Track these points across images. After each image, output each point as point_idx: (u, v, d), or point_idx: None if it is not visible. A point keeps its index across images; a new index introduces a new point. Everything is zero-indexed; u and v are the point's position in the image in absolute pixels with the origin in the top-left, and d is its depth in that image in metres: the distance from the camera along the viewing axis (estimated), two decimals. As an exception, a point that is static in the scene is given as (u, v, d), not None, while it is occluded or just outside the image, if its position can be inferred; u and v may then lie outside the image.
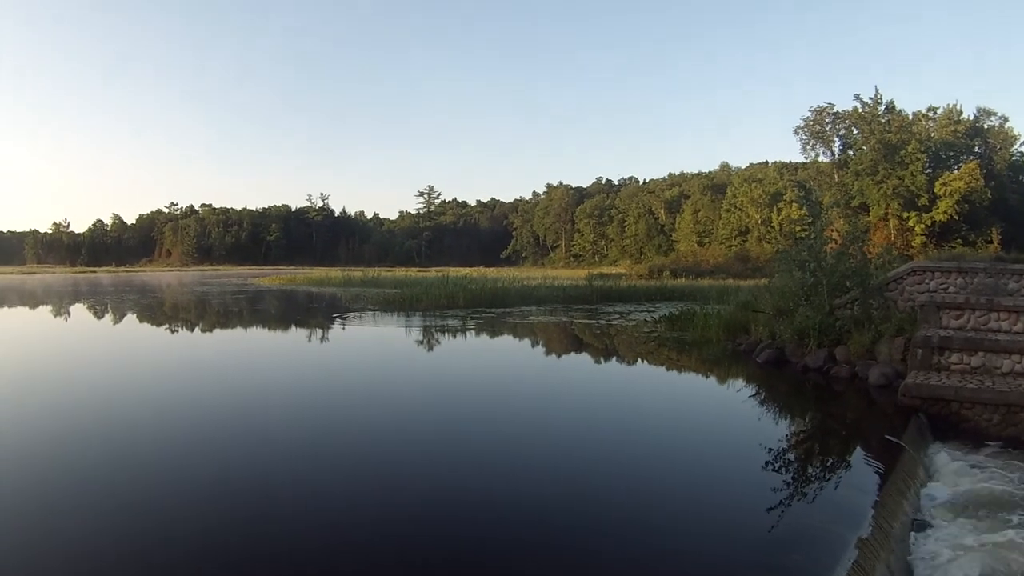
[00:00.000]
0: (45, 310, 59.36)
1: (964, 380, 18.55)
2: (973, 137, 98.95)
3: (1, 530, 10.90)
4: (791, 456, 15.22)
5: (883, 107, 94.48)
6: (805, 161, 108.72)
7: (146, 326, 48.54)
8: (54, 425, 17.90)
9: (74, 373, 26.71)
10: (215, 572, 9.66)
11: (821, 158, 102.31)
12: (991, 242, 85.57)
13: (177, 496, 12.66)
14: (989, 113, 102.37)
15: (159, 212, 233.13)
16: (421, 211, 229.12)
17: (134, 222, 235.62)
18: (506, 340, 37.66)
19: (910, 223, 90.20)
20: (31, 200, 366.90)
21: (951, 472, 14.69)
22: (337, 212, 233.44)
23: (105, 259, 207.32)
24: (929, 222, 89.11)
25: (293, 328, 47.25)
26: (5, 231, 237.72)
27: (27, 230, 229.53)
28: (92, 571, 9.72)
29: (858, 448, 16.40)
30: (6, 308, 63.16)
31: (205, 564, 9.94)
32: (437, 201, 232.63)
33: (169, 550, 10.31)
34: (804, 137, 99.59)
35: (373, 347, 35.35)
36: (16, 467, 14.28)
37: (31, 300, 70.31)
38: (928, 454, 15.95)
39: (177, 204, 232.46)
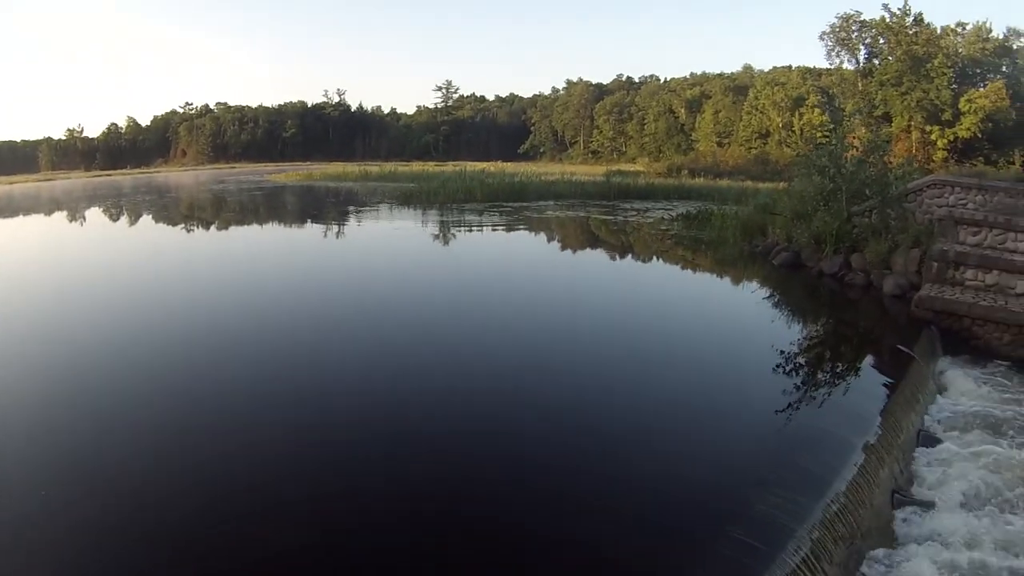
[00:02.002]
0: (63, 215, 59.03)
1: (978, 297, 18.59)
2: (1001, 56, 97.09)
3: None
4: (803, 360, 15.39)
5: (911, 19, 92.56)
6: (829, 67, 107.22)
7: (163, 227, 48.45)
8: (85, 332, 18.51)
9: (96, 280, 27.39)
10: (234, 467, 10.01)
11: (846, 65, 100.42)
12: (1013, 163, 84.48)
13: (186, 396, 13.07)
14: (1019, 33, 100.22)
15: (173, 112, 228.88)
16: (439, 105, 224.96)
17: (148, 124, 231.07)
18: (522, 234, 37.74)
19: (932, 137, 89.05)
20: (44, 107, 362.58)
21: (959, 387, 14.86)
22: (354, 107, 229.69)
23: (120, 162, 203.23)
24: (952, 137, 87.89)
25: (308, 224, 47.28)
26: (19, 140, 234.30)
27: (41, 137, 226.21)
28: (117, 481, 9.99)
29: (869, 356, 16.53)
30: (30, 215, 63.05)
31: (221, 456, 10.28)
32: (455, 95, 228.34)
33: (177, 454, 10.66)
34: (829, 43, 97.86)
35: (386, 242, 35.50)
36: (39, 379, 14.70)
37: (51, 206, 69.64)
38: (937, 367, 16.08)
39: (191, 103, 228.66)
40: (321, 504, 8.75)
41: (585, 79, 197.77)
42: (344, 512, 8.67)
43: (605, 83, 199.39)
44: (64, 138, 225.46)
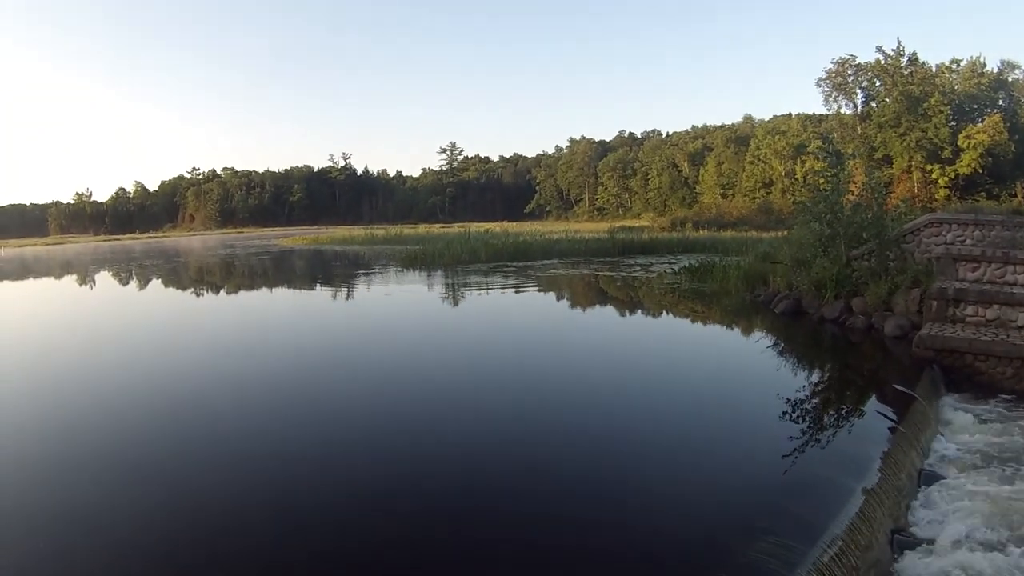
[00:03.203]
0: (75, 279, 59.75)
1: (978, 332, 18.53)
2: (997, 90, 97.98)
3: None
4: (807, 406, 15.27)
5: (905, 59, 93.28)
6: (828, 113, 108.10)
7: (172, 290, 48.83)
8: (92, 391, 18.52)
9: (104, 343, 27.39)
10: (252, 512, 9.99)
11: (844, 110, 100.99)
12: (1015, 196, 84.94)
13: (198, 452, 13.07)
14: (1013, 66, 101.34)
15: (181, 178, 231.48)
16: (444, 167, 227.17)
17: (156, 188, 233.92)
18: (525, 293, 37.72)
19: (933, 175, 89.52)
20: (52, 171, 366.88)
21: (962, 424, 14.73)
22: (360, 171, 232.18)
23: (128, 227, 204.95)
24: (952, 175, 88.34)
25: (315, 287, 47.58)
26: (28, 203, 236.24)
27: (50, 201, 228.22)
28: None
29: (872, 399, 16.40)
30: (42, 279, 63.43)
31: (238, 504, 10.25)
32: (460, 157, 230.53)
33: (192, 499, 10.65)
34: (826, 89, 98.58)
35: (391, 304, 35.55)
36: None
37: (63, 270, 70.49)
38: (940, 405, 15.95)
39: (199, 169, 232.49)
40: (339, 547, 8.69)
41: (588, 136, 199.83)
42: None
43: (608, 140, 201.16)
44: (73, 202, 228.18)
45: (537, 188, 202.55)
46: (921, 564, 9.17)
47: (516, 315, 30.29)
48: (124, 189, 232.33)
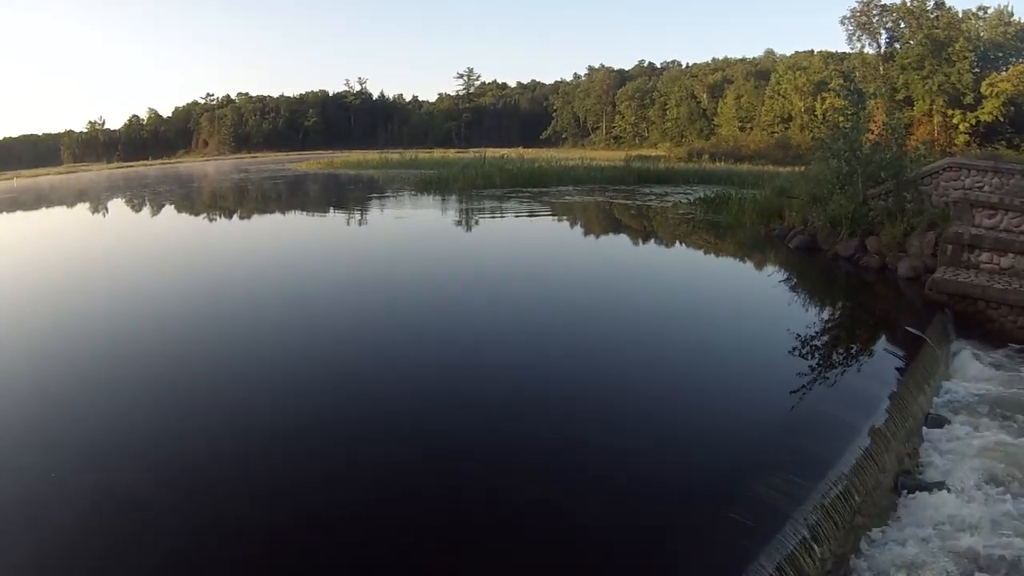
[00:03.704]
0: (88, 207, 59.12)
1: (992, 280, 18.43)
2: (1023, 40, 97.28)
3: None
4: (816, 343, 15.29)
5: (932, 2, 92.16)
6: (851, 52, 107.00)
7: (185, 216, 48.78)
8: (104, 322, 18.93)
9: (118, 271, 27.49)
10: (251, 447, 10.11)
11: (867, 49, 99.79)
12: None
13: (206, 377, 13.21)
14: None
15: (195, 103, 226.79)
16: (460, 93, 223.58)
17: (170, 115, 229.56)
18: (539, 219, 37.59)
19: (954, 120, 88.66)
20: (65, 101, 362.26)
21: (971, 370, 14.76)
22: (375, 96, 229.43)
23: (142, 154, 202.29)
24: (974, 121, 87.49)
25: (329, 211, 47.56)
26: (40, 133, 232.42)
27: (62, 131, 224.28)
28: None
29: (882, 339, 16.43)
30: (56, 208, 62.92)
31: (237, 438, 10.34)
32: (477, 83, 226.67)
33: (200, 435, 10.76)
34: (850, 27, 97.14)
35: (403, 228, 35.43)
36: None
37: (77, 198, 69.78)
38: (950, 350, 15.96)
39: (213, 94, 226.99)
40: (334, 495, 8.75)
41: (607, 65, 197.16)
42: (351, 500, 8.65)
43: (627, 69, 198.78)
44: (86, 131, 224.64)
45: (554, 115, 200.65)
46: (926, 506, 9.20)
47: (528, 243, 30.37)
48: (137, 116, 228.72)
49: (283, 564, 7.37)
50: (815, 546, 7.68)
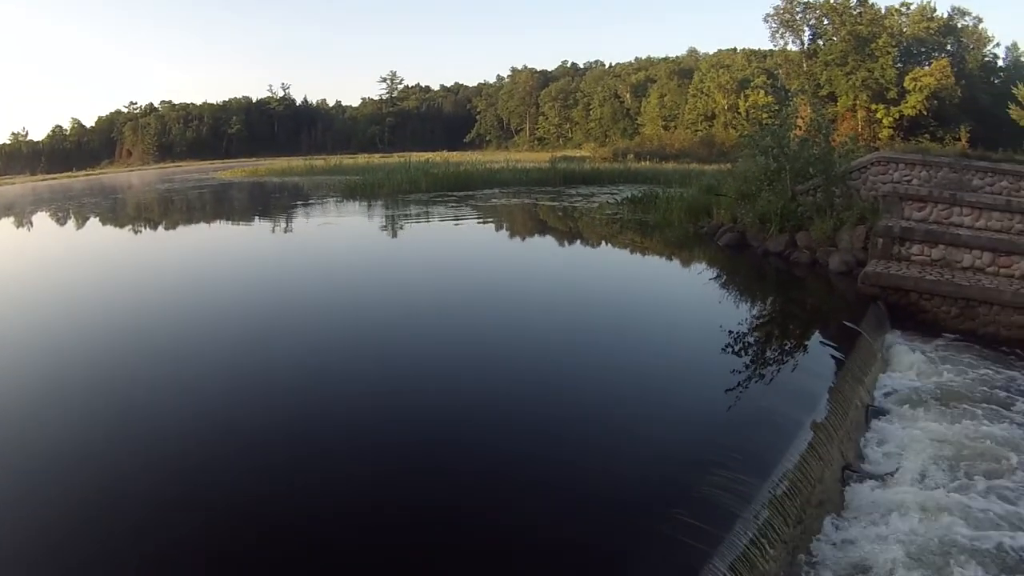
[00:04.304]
0: (9, 221, 56.99)
1: (924, 271, 18.64)
2: (945, 35, 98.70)
3: None
4: (750, 339, 15.27)
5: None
6: (774, 49, 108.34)
7: (109, 228, 47.33)
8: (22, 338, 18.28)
9: (39, 287, 27.32)
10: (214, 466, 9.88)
11: (790, 47, 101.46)
12: (959, 140, 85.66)
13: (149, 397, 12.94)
14: (963, 12, 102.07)
15: (118, 112, 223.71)
16: (384, 97, 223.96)
17: (93, 125, 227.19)
18: (465, 223, 37.38)
19: (878, 115, 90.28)
20: None
21: (908, 362, 14.87)
22: (299, 101, 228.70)
23: (66, 165, 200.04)
24: (897, 115, 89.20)
25: (254, 220, 46.89)
26: None
27: None
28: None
29: (816, 333, 16.42)
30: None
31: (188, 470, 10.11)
32: (400, 86, 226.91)
33: (140, 455, 10.51)
34: (773, 25, 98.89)
35: (329, 236, 35.10)
36: None
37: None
38: (885, 342, 16.13)
39: (136, 103, 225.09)
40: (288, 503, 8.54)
41: (530, 66, 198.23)
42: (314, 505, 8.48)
43: (550, 70, 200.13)
44: (8, 142, 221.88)
45: (478, 117, 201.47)
46: (872, 498, 9.30)
47: (455, 247, 30.02)
48: (60, 126, 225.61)
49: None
50: (766, 544, 7.62)
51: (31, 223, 53.95)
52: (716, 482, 8.32)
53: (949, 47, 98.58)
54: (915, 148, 60.07)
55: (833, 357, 13.70)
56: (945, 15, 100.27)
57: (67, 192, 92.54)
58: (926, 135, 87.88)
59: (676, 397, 11.89)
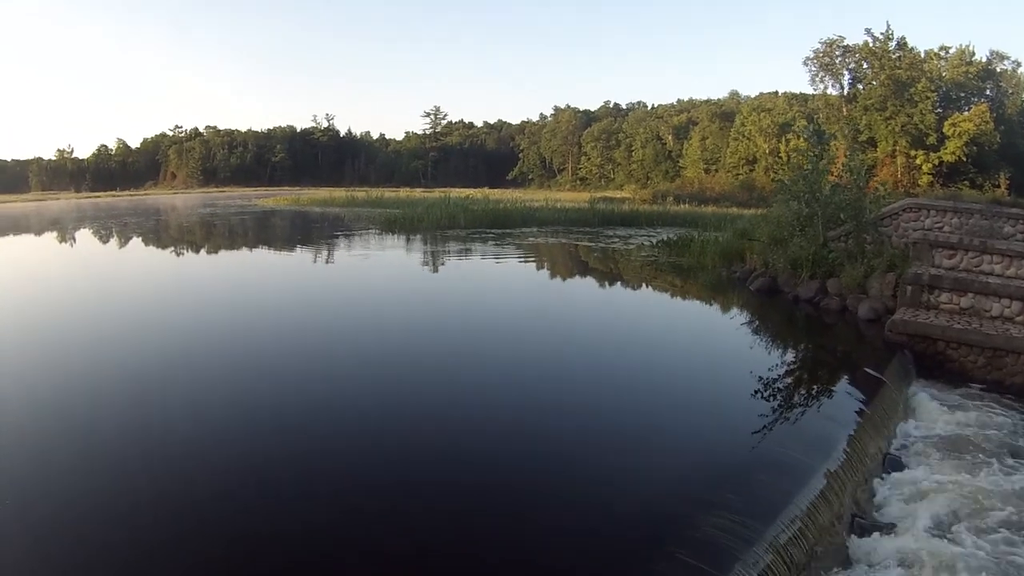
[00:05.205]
0: (55, 236, 57.98)
1: (952, 320, 18.54)
2: (985, 80, 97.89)
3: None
4: (775, 384, 15.22)
5: (894, 43, 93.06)
6: (814, 93, 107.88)
7: (152, 249, 48.34)
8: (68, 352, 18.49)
9: (80, 303, 27.80)
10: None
11: (830, 91, 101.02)
12: (999, 186, 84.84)
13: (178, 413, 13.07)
14: (1002, 57, 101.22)
15: (163, 135, 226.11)
16: (427, 132, 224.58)
17: (138, 146, 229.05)
18: (503, 261, 37.47)
19: (917, 161, 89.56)
20: (35, 127, 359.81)
21: (930, 411, 14.74)
22: (343, 132, 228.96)
23: (110, 184, 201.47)
24: (936, 162, 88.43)
25: (295, 248, 47.26)
26: (9, 159, 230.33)
27: (31, 157, 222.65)
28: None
29: (842, 381, 16.34)
30: (23, 236, 62.40)
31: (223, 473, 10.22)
32: (443, 122, 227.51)
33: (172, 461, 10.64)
34: (813, 68, 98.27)
35: (368, 268, 35.27)
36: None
37: (45, 226, 69.79)
38: (910, 391, 15.97)
39: (181, 127, 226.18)
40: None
41: (573, 105, 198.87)
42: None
43: (593, 110, 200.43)
44: (54, 159, 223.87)
45: (520, 156, 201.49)
46: (880, 549, 9.18)
47: (491, 284, 30.21)
48: (106, 146, 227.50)
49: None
50: (767, 589, 7.65)
51: (74, 239, 54.77)
52: (719, 523, 8.33)
53: (988, 92, 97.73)
54: (952, 195, 59.70)
55: (856, 405, 13.57)
56: (984, 59, 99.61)
57: (111, 210, 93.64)
58: (965, 182, 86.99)
59: (697, 437, 12.01)
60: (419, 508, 9.22)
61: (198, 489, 9.62)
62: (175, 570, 7.70)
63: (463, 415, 12.91)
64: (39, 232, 63.72)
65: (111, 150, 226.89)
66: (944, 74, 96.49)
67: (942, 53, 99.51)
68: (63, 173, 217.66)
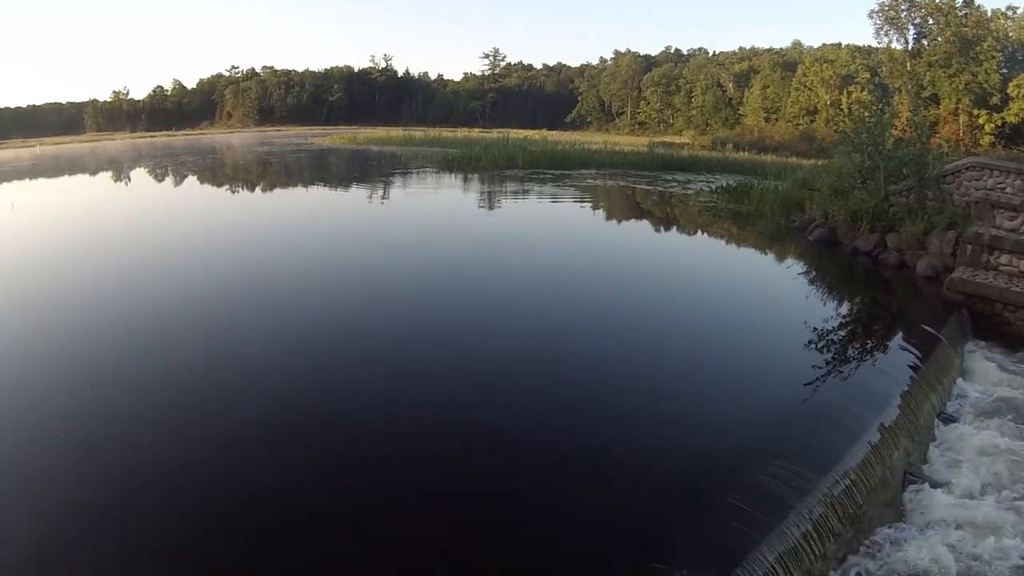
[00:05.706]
0: (111, 175, 58.62)
1: (1011, 283, 18.30)
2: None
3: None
4: (830, 337, 15.21)
5: (961, 0, 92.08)
6: (878, 46, 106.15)
7: (208, 188, 48.94)
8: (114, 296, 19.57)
9: (135, 245, 28.24)
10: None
11: (895, 45, 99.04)
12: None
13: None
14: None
15: (219, 76, 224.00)
16: (486, 73, 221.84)
17: (194, 86, 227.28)
18: (560, 202, 37.44)
19: (980, 121, 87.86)
20: (90, 70, 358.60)
21: (985, 372, 14.75)
22: (400, 73, 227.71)
23: (165, 124, 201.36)
24: (999, 122, 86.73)
25: (351, 187, 47.50)
26: (64, 102, 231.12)
27: (86, 99, 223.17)
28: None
29: (898, 336, 16.40)
30: (80, 175, 62.79)
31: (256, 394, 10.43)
32: (502, 63, 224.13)
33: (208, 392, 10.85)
34: (878, 22, 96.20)
35: (425, 207, 35.41)
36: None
37: (101, 166, 70.65)
38: (965, 351, 15.95)
39: (238, 67, 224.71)
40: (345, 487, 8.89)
41: (633, 50, 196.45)
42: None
43: (653, 55, 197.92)
44: (110, 100, 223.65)
45: (579, 98, 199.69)
46: (933, 506, 9.23)
47: (548, 225, 30.29)
48: (162, 87, 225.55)
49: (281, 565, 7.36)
50: (818, 539, 7.72)
51: (129, 178, 54.95)
52: (774, 472, 8.45)
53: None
54: (1015, 156, 58.73)
55: (911, 361, 13.59)
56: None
57: (168, 149, 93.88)
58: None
59: (750, 386, 12.09)
60: (472, 444, 9.54)
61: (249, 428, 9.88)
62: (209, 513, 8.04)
63: (522, 354, 13.25)
64: (94, 172, 64.32)
65: (167, 91, 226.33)
66: (1011, 34, 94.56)
67: (1009, 13, 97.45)
68: (119, 114, 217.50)
